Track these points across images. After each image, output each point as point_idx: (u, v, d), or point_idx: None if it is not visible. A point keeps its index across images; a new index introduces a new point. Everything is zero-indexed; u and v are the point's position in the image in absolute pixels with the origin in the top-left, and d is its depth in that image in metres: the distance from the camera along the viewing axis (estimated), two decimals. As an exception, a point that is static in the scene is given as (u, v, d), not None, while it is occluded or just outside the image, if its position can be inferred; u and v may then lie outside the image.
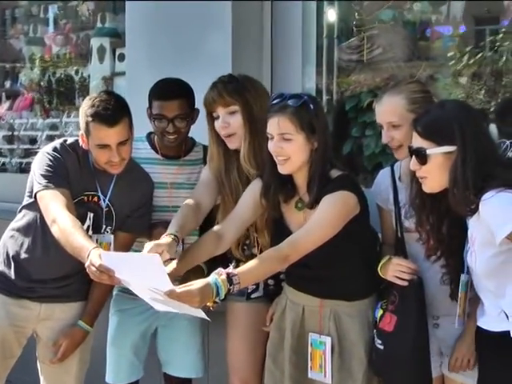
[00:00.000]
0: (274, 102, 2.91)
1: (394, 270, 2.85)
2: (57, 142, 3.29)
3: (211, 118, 3.26)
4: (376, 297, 3.01)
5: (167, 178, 3.55)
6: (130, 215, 3.32)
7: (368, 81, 4.44)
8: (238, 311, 3.44)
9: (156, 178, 3.49)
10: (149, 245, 2.74)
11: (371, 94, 4.32)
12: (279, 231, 3.01)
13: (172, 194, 3.55)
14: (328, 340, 2.96)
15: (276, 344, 3.12)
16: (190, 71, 3.81)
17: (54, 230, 3.01)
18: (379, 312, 2.94)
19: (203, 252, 2.92)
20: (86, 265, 2.73)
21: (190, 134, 3.57)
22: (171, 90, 3.48)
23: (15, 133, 6.13)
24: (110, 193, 3.28)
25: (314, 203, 2.89)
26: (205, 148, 3.52)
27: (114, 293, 3.59)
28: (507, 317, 2.53)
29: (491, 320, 2.61)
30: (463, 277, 2.75)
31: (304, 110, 2.86)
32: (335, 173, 2.93)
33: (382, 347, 2.89)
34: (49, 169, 3.17)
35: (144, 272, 2.58)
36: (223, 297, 2.55)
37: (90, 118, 3.11)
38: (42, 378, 3.48)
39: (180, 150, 3.57)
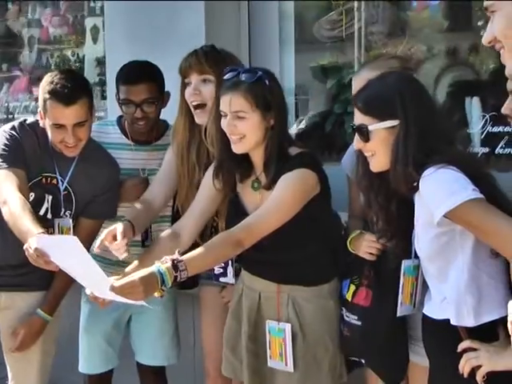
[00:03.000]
0: (227, 77, 2.80)
1: (368, 246, 2.76)
2: (16, 122, 3.23)
3: (184, 87, 3.17)
4: (337, 282, 2.93)
5: (138, 164, 3.49)
6: (93, 200, 3.24)
7: (349, 57, 4.33)
8: (207, 296, 3.43)
9: (126, 164, 3.43)
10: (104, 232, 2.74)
11: (353, 70, 4.22)
12: (234, 212, 2.91)
13: None
14: (287, 327, 2.88)
15: (233, 332, 3.05)
16: (166, 50, 3.77)
17: (4, 212, 2.96)
18: (351, 288, 2.86)
19: (162, 251, 2.74)
20: (23, 247, 2.68)
21: (163, 117, 3.51)
22: (137, 74, 3.38)
23: (10, 116, 6.12)
24: (69, 176, 3.21)
25: (271, 184, 2.79)
26: None
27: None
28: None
29: (435, 307, 2.53)
30: (408, 261, 2.65)
31: (259, 86, 2.75)
32: (294, 150, 2.83)
33: (359, 323, 2.81)
34: (4, 147, 3.11)
35: (73, 256, 2.53)
36: (170, 285, 2.46)
37: (47, 95, 3.04)
38: (8, 368, 3.43)
39: (151, 134, 3.50)
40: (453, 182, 2.30)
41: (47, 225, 3.14)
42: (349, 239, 2.84)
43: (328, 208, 2.93)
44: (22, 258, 3.13)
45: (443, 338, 2.49)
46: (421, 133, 2.41)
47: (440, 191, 2.32)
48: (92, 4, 5.76)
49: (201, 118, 3.12)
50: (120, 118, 3.55)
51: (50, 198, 3.20)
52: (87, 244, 3.01)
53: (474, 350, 2.37)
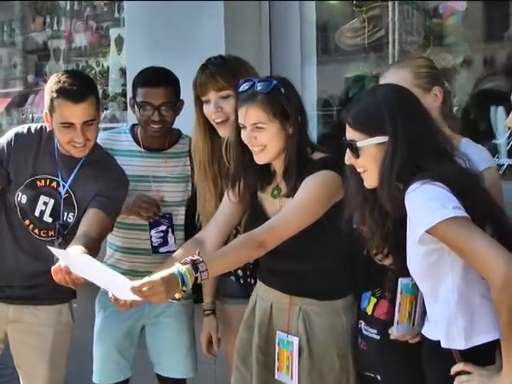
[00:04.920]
0: (242, 89, 2.75)
1: None
2: (27, 125, 3.26)
3: (200, 103, 3.12)
4: (352, 298, 2.85)
5: (149, 171, 3.46)
6: (96, 195, 3.14)
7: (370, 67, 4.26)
8: (228, 314, 3.34)
9: (137, 171, 3.42)
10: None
11: (375, 79, 4.11)
12: (255, 217, 2.85)
13: (154, 188, 3.46)
14: (295, 340, 2.80)
15: (245, 343, 2.98)
16: (186, 59, 3.73)
17: None
18: (372, 301, 2.76)
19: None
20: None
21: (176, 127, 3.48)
22: (158, 77, 3.40)
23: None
24: (71, 179, 3.16)
25: (291, 192, 2.74)
26: (191, 140, 3.37)
27: (100, 290, 3.50)
28: None
29: (431, 327, 2.43)
30: (405, 280, 2.53)
31: (275, 96, 2.70)
32: (317, 155, 2.79)
33: (377, 337, 2.72)
34: None
35: (89, 268, 2.51)
36: (190, 285, 2.42)
37: (54, 94, 3.01)
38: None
39: (164, 142, 3.48)
40: (434, 199, 2.21)
41: (41, 226, 3.16)
42: (373, 250, 2.72)
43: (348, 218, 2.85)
44: (32, 272, 3.16)
45: (437, 360, 2.39)
46: (410, 149, 2.31)
47: (421, 208, 2.23)
48: (116, 15, 5.76)
49: (224, 132, 3.06)
50: (133, 126, 3.54)
51: (49, 200, 3.16)
52: (95, 235, 2.96)
53: (468, 373, 2.27)
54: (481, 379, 2.24)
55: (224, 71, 3.06)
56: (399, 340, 2.63)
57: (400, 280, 2.55)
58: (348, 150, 2.43)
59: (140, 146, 3.49)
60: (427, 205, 2.21)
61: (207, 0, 4.08)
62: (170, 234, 3.24)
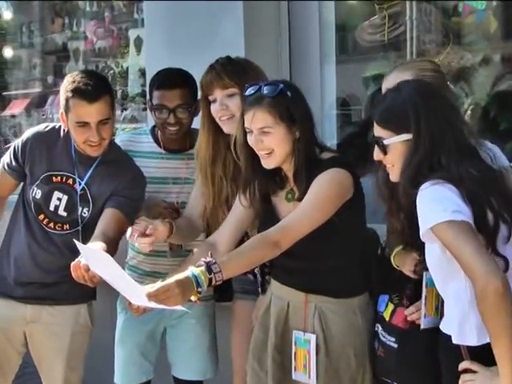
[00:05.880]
0: (248, 92, 2.76)
1: (413, 264, 2.65)
2: (45, 123, 3.34)
3: (207, 102, 3.12)
4: (367, 297, 2.86)
5: (169, 173, 3.46)
6: (112, 194, 3.18)
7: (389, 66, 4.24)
8: (239, 310, 3.36)
9: (157, 172, 3.41)
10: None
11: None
12: (269, 221, 2.83)
13: (175, 190, 3.46)
14: (313, 338, 2.80)
15: (260, 343, 2.97)
16: (205, 60, 3.73)
17: None
18: (389, 306, 2.77)
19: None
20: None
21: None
22: (172, 79, 3.39)
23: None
24: (87, 177, 3.19)
25: (303, 195, 2.73)
26: None
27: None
28: None
29: (444, 320, 2.46)
30: (429, 273, 2.53)
31: (281, 100, 2.71)
32: (327, 155, 2.79)
33: (395, 345, 2.72)
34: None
35: (108, 267, 2.52)
36: (205, 287, 2.43)
37: (69, 94, 3.04)
38: None
39: (184, 143, 3.46)
40: (437, 201, 2.26)
41: (56, 220, 3.20)
42: (393, 254, 2.74)
43: (360, 217, 2.87)
44: (49, 267, 3.21)
45: (449, 354, 2.41)
46: (431, 146, 2.35)
47: (425, 208, 2.29)
48: (135, 16, 5.78)
49: (229, 127, 3.05)
50: (154, 127, 3.54)
51: (62, 195, 3.19)
52: (113, 234, 2.99)
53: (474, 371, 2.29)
54: (483, 379, 2.25)
55: (229, 70, 3.06)
56: (417, 348, 2.65)
57: (425, 273, 2.58)
58: (376, 147, 2.47)
59: (161, 147, 3.49)
60: (430, 206, 2.27)
61: (226, 0, 4.08)
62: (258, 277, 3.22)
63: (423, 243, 2.39)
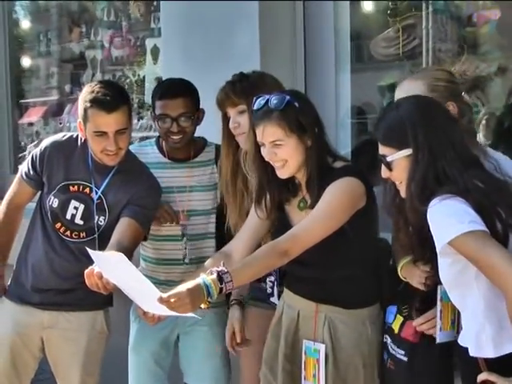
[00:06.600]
0: (256, 107, 2.78)
1: (422, 276, 2.64)
2: (63, 133, 3.39)
3: (226, 118, 3.17)
4: (378, 308, 2.86)
5: (176, 182, 3.49)
6: (128, 203, 3.22)
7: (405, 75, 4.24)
8: (249, 317, 3.32)
9: (164, 182, 3.42)
10: None
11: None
12: (282, 229, 2.83)
13: (182, 198, 3.49)
14: (322, 347, 2.81)
15: (272, 352, 2.98)
16: (221, 70, 3.75)
17: None
18: (398, 318, 2.77)
19: None
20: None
21: (206, 137, 3.52)
22: (174, 89, 3.44)
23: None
24: (104, 186, 3.23)
25: (315, 203, 2.75)
26: (217, 147, 3.43)
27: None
28: None
29: (462, 333, 2.45)
30: (442, 287, 2.54)
31: (289, 111, 2.73)
32: (339, 164, 2.81)
33: (405, 359, 2.72)
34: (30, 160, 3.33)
35: (121, 271, 2.54)
36: (215, 296, 2.46)
37: (88, 104, 3.09)
38: None
39: (188, 151, 3.51)
40: (451, 216, 2.26)
41: (73, 228, 3.24)
42: (399, 266, 2.73)
43: (372, 227, 2.87)
44: (66, 275, 3.25)
45: (467, 367, 2.42)
46: (432, 159, 2.37)
47: (439, 224, 2.29)
48: (152, 25, 5.81)
49: (243, 143, 3.11)
50: (158, 138, 3.57)
51: (79, 204, 3.24)
52: (128, 243, 3.01)
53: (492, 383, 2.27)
54: None
55: (238, 87, 3.11)
56: (428, 362, 2.66)
57: (439, 287, 2.58)
58: (382, 165, 2.49)
59: (165, 157, 3.53)
60: (444, 221, 2.27)
61: (242, 8, 4.10)
62: (275, 287, 3.21)
63: (435, 257, 2.39)
